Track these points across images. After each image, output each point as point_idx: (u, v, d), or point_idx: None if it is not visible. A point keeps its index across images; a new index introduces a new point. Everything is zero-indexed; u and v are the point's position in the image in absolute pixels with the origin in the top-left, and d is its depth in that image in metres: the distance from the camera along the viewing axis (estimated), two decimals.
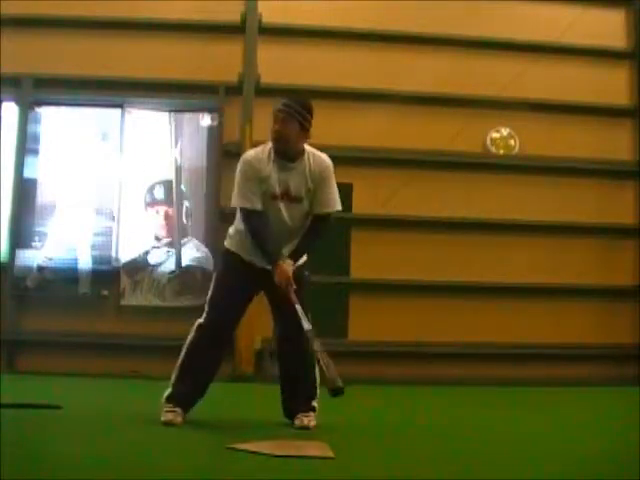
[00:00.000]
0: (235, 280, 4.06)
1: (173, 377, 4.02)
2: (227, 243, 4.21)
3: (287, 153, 4.00)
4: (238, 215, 4.11)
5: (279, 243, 4.01)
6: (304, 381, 4.05)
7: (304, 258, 4.16)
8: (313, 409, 4.05)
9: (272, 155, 4.01)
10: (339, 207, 4.10)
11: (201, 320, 4.05)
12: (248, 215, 4.00)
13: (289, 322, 4.05)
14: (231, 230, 4.20)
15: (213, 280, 4.19)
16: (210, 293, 4.12)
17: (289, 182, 3.99)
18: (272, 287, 4.02)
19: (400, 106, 8.79)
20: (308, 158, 4.06)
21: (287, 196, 4.00)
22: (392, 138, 8.78)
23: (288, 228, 4.03)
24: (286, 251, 4.03)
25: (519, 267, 8.79)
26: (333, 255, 8.60)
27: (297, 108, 4.01)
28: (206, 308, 4.08)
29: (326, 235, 4.17)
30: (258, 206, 3.96)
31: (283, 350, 4.17)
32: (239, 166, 4.07)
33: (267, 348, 7.82)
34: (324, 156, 4.11)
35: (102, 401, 5.56)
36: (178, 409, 3.94)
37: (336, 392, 3.73)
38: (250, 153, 4.11)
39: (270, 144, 4.05)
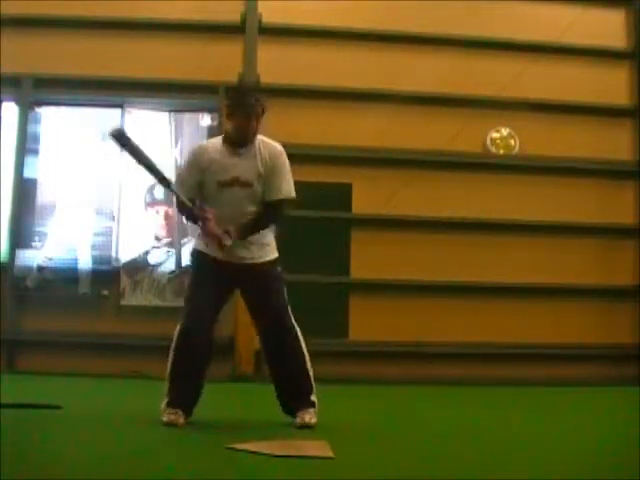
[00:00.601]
0: (205, 279, 4.05)
1: (166, 387, 4.00)
2: (194, 244, 4.24)
3: (246, 142, 4.05)
4: None
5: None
6: (298, 377, 4.05)
7: (275, 255, 4.12)
8: (313, 404, 4.04)
9: (220, 144, 4.08)
10: (293, 195, 4.07)
11: (179, 327, 4.04)
12: (178, 201, 4.07)
13: (268, 321, 4.07)
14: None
15: (187, 283, 4.20)
16: (185, 297, 4.14)
17: (238, 167, 4.00)
18: (244, 284, 4.05)
19: (400, 106, 8.80)
20: (259, 145, 4.07)
21: (237, 182, 4.00)
22: (392, 138, 8.78)
23: (242, 213, 4.00)
24: (252, 237, 4.00)
25: (519, 267, 8.79)
26: (333, 255, 8.62)
27: (262, 99, 4.07)
28: (182, 312, 4.08)
29: (278, 223, 4.15)
30: (184, 195, 4.00)
31: (269, 349, 4.13)
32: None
33: None
34: (276, 144, 4.12)
35: (102, 401, 5.56)
36: (179, 411, 3.94)
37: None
38: (198, 143, 4.27)
39: (221, 137, 4.14)
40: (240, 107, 4.01)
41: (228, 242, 3.90)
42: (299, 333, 4.07)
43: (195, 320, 3.99)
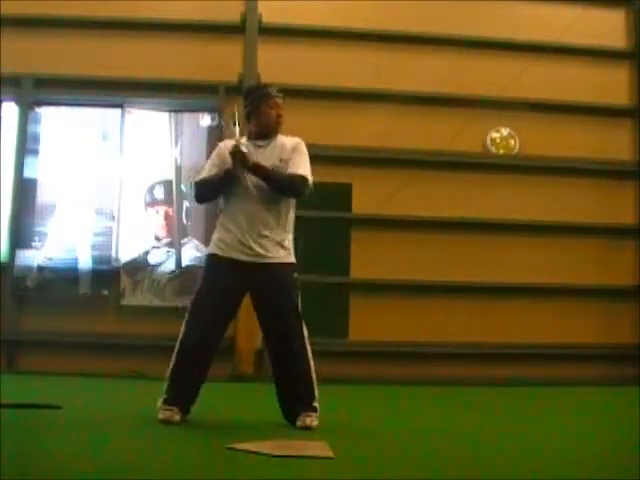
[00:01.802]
0: (214, 285, 4.04)
1: (165, 386, 4.02)
2: (209, 248, 4.26)
3: (272, 132, 4.17)
4: (220, 216, 4.20)
5: (257, 222, 4.01)
6: (301, 382, 4.03)
7: (292, 259, 4.12)
8: (315, 409, 4.04)
9: (245, 140, 4.15)
10: (310, 178, 4.09)
11: (182, 331, 4.04)
12: (197, 183, 4.17)
13: (275, 326, 4.05)
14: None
15: (196, 288, 4.19)
16: (191, 300, 4.12)
17: (259, 156, 4.06)
18: (256, 287, 4.04)
19: (400, 106, 8.80)
20: (280, 138, 4.20)
21: None
22: (392, 138, 8.78)
23: (263, 206, 4.03)
24: (267, 232, 4.01)
25: (519, 267, 8.79)
26: (333, 255, 8.62)
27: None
28: (187, 315, 4.06)
29: (294, 192, 4.09)
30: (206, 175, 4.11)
31: (275, 355, 4.13)
32: None
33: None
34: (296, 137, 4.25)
35: (102, 401, 5.56)
36: (175, 408, 3.95)
37: None
38: (224, 141, 4.33)
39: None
40: (275, 97, 4.18)
41: (244, 149, 3.97)
42: (307, 342, 4.04)
43: (198, 327, 3.98)
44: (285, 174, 4.06)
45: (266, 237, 4.02)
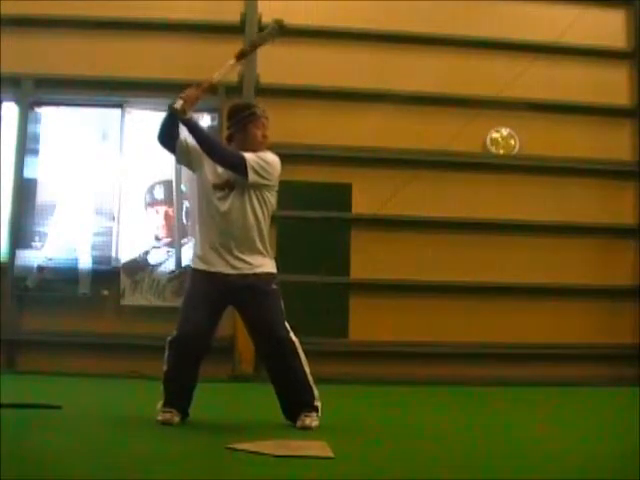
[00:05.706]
0: (199, 296, 4.05)
1: (162, 390, 4.04)
2: (191, 262, 4.28)
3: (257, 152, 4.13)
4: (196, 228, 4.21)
5: (231, 238, 4.01)
6: (299, 390, 4.05)
7: (272, 269, 4.12)
8: (316, 409, 4.05)
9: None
10: (251, 164, 3.99)
11: (170, 338, 4.06)
12: None
13: (264, 338, 4.07)
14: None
15: (182, 301, 4.21)
16: (179, 313, 4.13)
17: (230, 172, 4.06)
18: (239, 301, 4.07)
19: (400, 106, 8.79)
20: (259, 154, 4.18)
21: (228, 184, 4.05)
22: (392, 138, 8.78)
23: (241, 223, 4.02)
24: (238, 250, 4.01)
25: (519, 267, 8.79)
26: (333, 255, 8.62)
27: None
28: (176, 326, 4.09)
29: (226, 157, 4.06)
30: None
31: (268, 364, 4.17)
32: None
33: None
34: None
35: (102, 401, 5.57)
36: (174, 410, 3.97)
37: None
38: None
39: None
40: (262, 117, 4.19)
41: (177, 105, 4.13)
42: (297, 347, 4.05)
43: (183, 335, 4.00)
44: (222, 144, 4.18)
45: (241, 250, 4.02)
